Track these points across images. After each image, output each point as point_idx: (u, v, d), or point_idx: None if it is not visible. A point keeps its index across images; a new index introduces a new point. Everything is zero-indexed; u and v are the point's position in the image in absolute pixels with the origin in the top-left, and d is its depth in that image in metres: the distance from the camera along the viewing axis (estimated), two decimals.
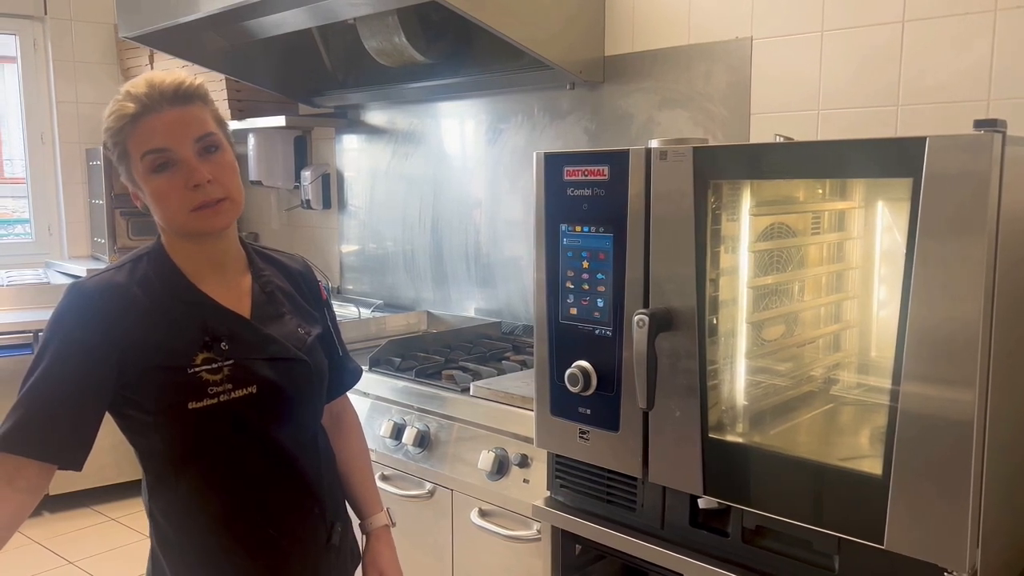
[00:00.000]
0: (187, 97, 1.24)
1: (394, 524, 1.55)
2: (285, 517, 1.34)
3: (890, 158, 1.20)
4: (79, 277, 1.38)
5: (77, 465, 1.21)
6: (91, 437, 1.22)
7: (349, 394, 1.57)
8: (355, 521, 1.54)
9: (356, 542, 1.51)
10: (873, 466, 1.23)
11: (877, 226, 1.57)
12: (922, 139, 1.13)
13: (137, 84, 1.23)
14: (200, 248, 1.30)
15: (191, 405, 1.23)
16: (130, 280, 1.27)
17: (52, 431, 1.19)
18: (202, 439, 1.27)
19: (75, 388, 1.20)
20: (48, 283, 4.02)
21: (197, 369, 1.24)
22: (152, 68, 3.99)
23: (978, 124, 1.14)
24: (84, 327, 1.21)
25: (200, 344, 1.26)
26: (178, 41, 2.99)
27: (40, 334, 1.25)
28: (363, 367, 1.62)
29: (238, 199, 1.28)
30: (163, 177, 1.22)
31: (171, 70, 2.24)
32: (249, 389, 1.28)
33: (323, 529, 1.39)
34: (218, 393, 1.25)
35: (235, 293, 1.34)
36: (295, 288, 1.43)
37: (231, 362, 1.27)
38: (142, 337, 1.23)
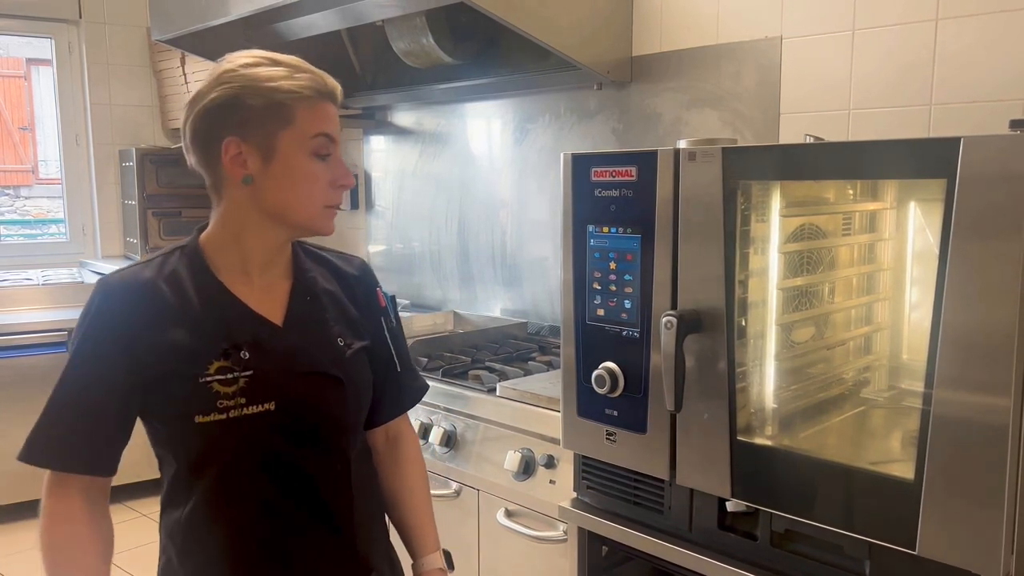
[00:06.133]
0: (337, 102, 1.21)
1: (452, 568, 1.40)
2: (301, 556, 1.20)
3: (923, 158, 1.19)
4: None
5: (105, 471, 1.16)
6: (118, 442, 1.16)
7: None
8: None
9: None
10: (905, 470, 1.21)
11: (909, 227, 1.54)
12: (956, 139, 1.11)
13: (304, 65, 1.18)
14: (263, 242, 1.20)
15: (197, 419, 1.13)
16: (158, 275, 1.18)
17: (71, 441, 1.14)
18: (208, 458, 1.16)
19: (95, 393, 1.14)
20: (82, 282, 4.09)
21: (209, 379, 1.13)
22: (184, 70, 4.04)
23: (1014, 124, 1.12)
24: (105, 326, 1.15)
25: (218, 350, 1.15)
26: (209, 44, 3.03)
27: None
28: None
29: None
30: (322, 165, 1.16)
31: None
32: (266, 406, 1.16)
33: (353, 573, 1.26)
34: (227, 408, 1.13)
35: (271, 296, 1.23)
36: (346, 293, 1.30)
37: (249, 373, 1.15)
38: (160, 338, 1.14)
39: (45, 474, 1.16)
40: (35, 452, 1.14)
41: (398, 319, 1.39)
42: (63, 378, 1.15)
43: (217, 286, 1.19)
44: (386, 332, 1.35)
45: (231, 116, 1.13)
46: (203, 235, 1.22)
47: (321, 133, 1.16)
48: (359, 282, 1.34)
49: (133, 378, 1.14)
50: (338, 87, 1.20)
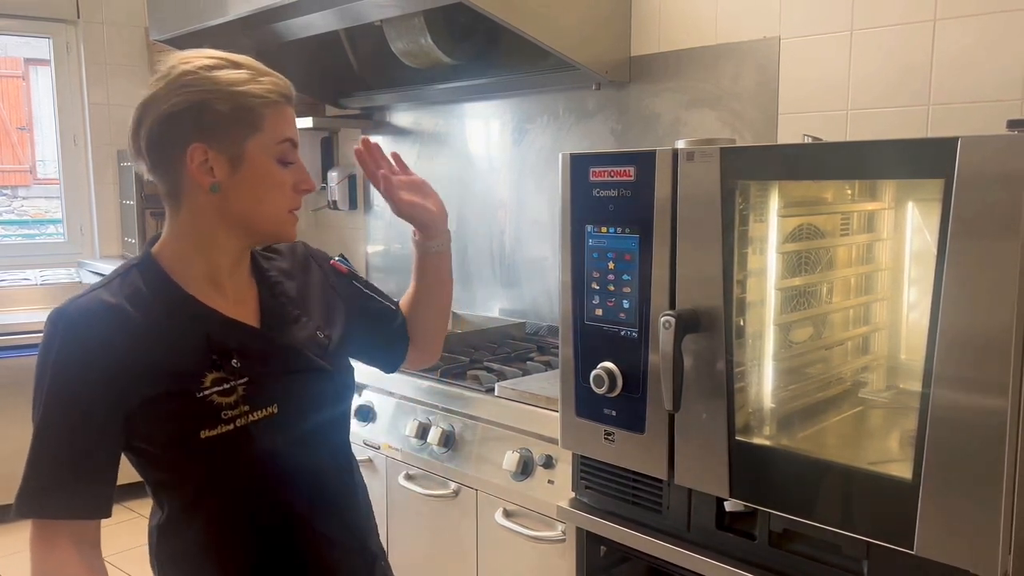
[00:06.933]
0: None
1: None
2: (322, 558, 1.20)
3: (921, 158, 1.19)
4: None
5: (103, 512, 1.11)
6: (111, 482, 1.12)
7: (375, 394, 1.53)
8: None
9: None
10: (903, 470, 1.21)
11: (907, 227, 1.55)
12: (954, 139, 1.11)
13: (263, 68, 1.15)
14: (229, 250, 1.17)
15: (204, 434, 1.09)
16: (120, 297, 1.11)
17: (66, 488, 1.08)
18: (220, 472, 1.13)
19: (82, 433, 1.08)
20: (80, 282, 4.10)
21: (207, 392, 1.10)
22: None
23: (1011, 124, 1.12)
24: (77, 358, 1.07)
25: (208, 363, 1.11)
26: (208, 43, 3.00)
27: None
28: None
29: None
30: (287, 171, 1.15)
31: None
32: (269, 409, 1.14)
33: (364, 569, 1.27)
34: (234, 417, 1.11)
35: (243, 301, 1.21)
36: (305, 283, 1.30)
37: (245, 380, 1.13)
38: (140, 362, 1.09)
39: (29, 529, 1.09)
40: (23, 503, 1.08)
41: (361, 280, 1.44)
42: (43, 424, 1.08)
43: (187, 299, 1.14)
44: (363, 288, 1.40)
45: (196, 122, 1.09)
46: (157, 248, 1.18)
47: (287, 139, 1.15)
48: (310, 265, 1.34)
49: (118, 409, 1.09)
50: (294, 90, 1.19)
